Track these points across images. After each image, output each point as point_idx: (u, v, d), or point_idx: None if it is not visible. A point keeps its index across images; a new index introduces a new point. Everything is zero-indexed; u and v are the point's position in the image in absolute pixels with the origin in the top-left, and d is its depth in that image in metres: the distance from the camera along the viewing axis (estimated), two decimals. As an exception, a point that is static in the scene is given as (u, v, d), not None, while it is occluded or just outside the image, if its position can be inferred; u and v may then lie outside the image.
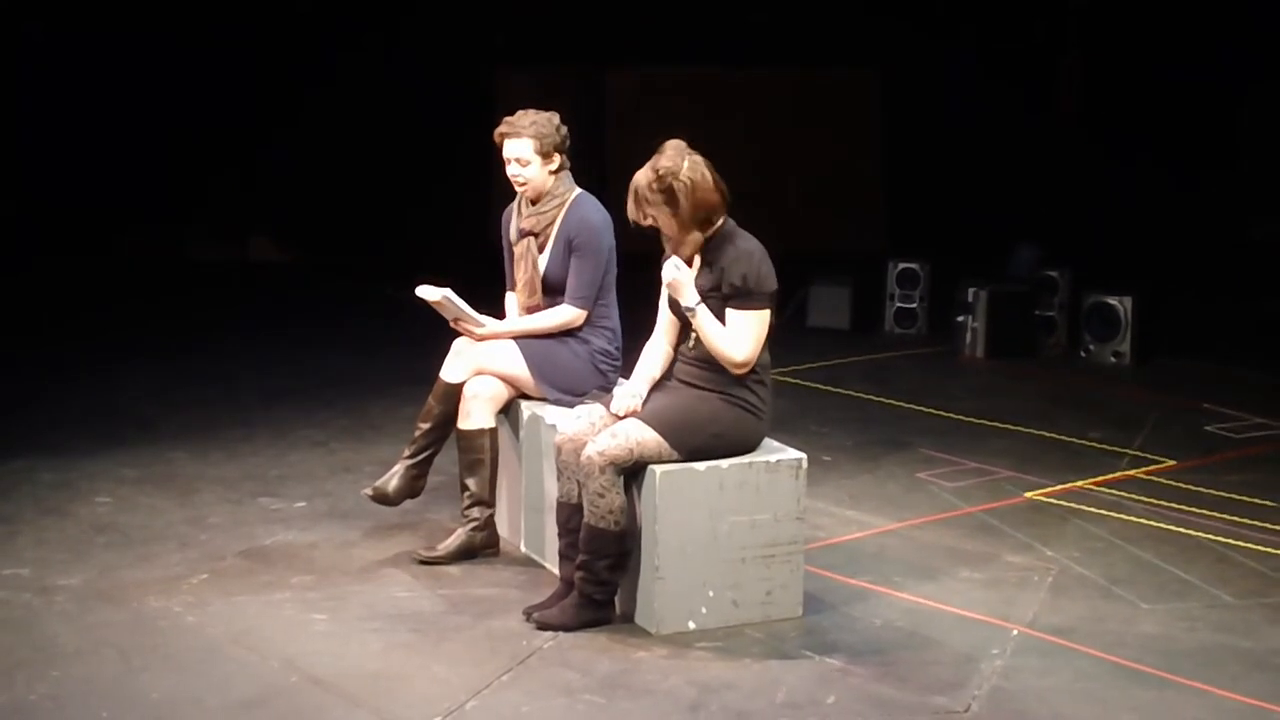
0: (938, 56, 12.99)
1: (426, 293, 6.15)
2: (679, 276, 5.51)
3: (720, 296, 5.48)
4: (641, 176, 5.50)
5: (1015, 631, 5.54)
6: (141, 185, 13.12)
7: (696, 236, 5.50)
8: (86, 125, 13.03)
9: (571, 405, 5.99)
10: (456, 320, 6.26)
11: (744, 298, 5.45)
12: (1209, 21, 11.88)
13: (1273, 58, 11.82)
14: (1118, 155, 12.34)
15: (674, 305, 5.65)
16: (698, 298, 5.50)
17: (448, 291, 6.15)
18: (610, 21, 13.17)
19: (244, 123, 13.24)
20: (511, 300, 6.43)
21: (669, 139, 5.59)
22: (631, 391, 5.59)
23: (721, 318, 5.49)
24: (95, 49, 13.00)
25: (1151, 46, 12.18)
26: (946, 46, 13.00)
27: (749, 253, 5.48)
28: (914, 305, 10.88)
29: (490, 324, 6.26)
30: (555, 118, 6.23)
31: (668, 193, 5.44)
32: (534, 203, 6.26)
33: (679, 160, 5.46)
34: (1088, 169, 12.44)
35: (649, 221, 5.53)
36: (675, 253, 5.57)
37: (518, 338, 6.21)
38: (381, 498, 6.26)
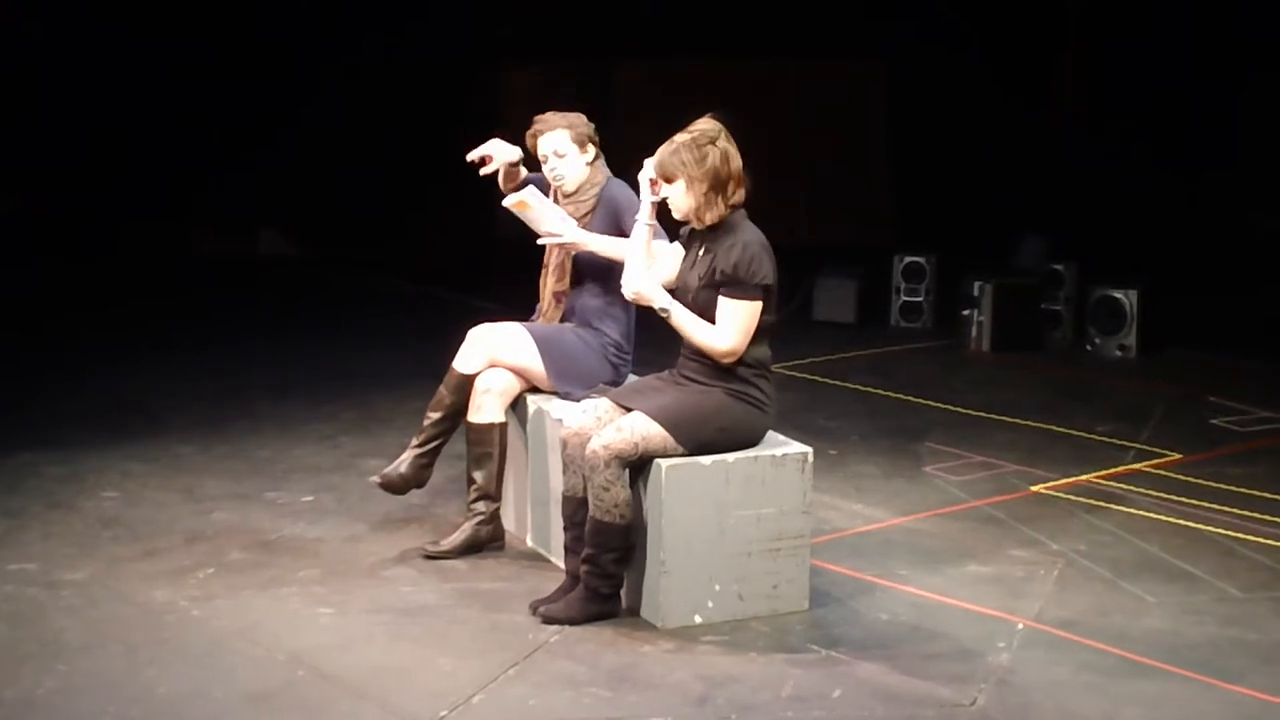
0: (941, 51, 12.98)
1: (510, 200, 6.06)
2: (640, 290, 5.52)
3: (714, 285, 5.47)
4: (677, 136, 5.52)
5: (1021, 625, 5.54)
6: (147, 181, 13.12)
7: (705, 205, 5.48)
8: (92, 121, 13.03)
9: (580, 399, 5.99)
10: (543, 228, 6.09)
11: (735, 286, 5.44)
12: (1208, 19, 11.87)
13: (1272, 56, 11.81)
14: (1118, 151, 12.32)
15: (679, 285, 5.63)
16: (667, 300, 5.51)
17: (532, 188, 6.06)
18: (616, 14, 13.16)
19: (250, 117, 13.24)
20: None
21: (695, 120, 5.61)
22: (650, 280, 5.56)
23: (714, 307, 5.48)
24: (99, 44, 13.00)
25: (1151, 44, 12.17)
26: (948, 41, 12.99)
27: (747, 243, 5.47)
28: (919, 299, 10.87)
29: (577, 232, 6.09)
30: (583, 116, 6.26)
31: (700, 153, 5.44)
32: (568, 195, 6.24)
33: (717, 130, 5.49)
34: (1089, 164, 12.43)
35: (661, 190, 5.53)
36: (685, 217, 5.56)
37: (603, 252, 6.05)
38: (389, 485, 6.26)
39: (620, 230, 6.10)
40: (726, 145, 5.49)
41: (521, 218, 6.14)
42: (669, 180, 5.51)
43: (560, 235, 6.10)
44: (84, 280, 12.02)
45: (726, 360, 5.48)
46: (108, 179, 13.07)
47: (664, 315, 5.51)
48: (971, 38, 13.03)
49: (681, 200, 5.51)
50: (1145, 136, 12.25)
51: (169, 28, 13.07)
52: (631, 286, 5.55)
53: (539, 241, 6.19)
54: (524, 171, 6.34)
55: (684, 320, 5.50)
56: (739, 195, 5.51)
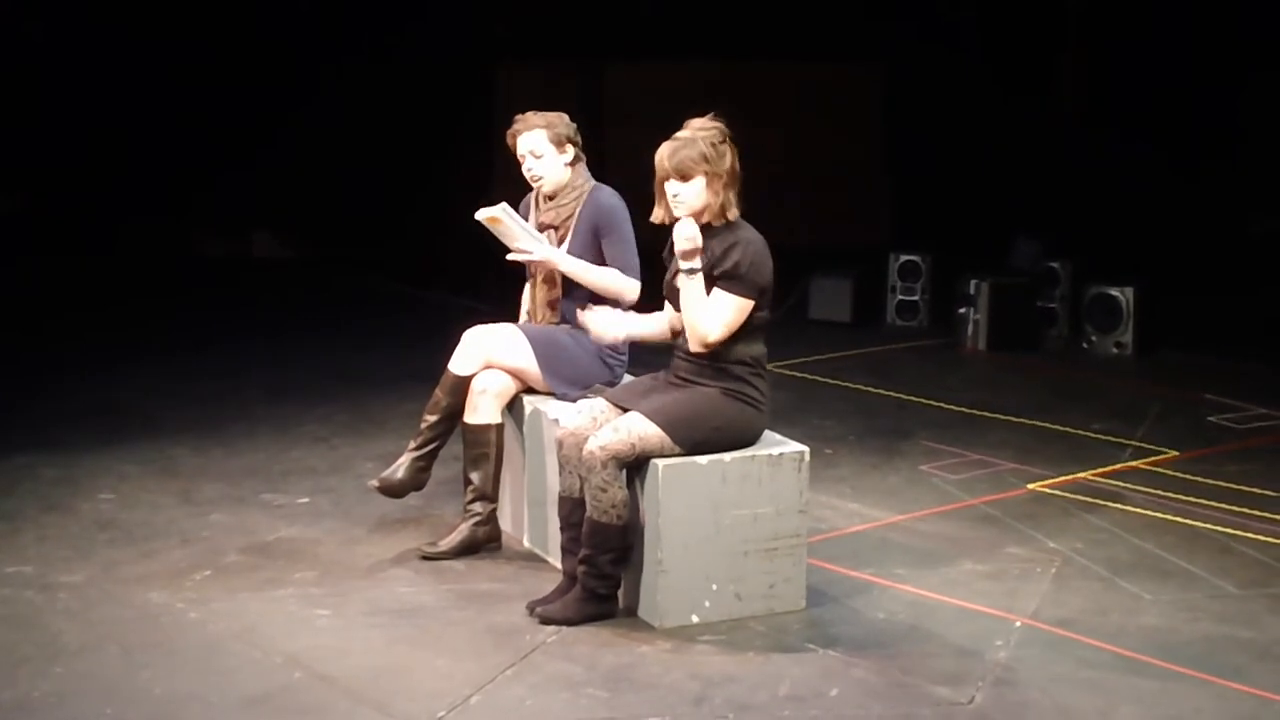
0: (940, 51, 12.99)
1: (483, 214, 6.09)
2: (698, 241, 5.43)
3: (711, 281, 5.46)
4: (687, 131, 5.48)
5: (1018, 623, 5.54)
6: (144, 182, 13.13)
7: (727, 202, 5.46)
8: (92, 121, 13.04)
9: (576, 399, 6.00)
10: (515, 244, 6.12)
11: (733, 281, 5.42)
12: (1208, 19, 11.87)
13: (1272, 56, 11.82)
14: (1118, 151, 12.33)
15: (671, 291, 5.63)
16: (701, 266, 5.45)
17: (504, 205, 6.08)
18: (615, 15, 13.16)
19: (247, 118, 13.25)
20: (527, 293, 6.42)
21: (668, 131, 5.59)
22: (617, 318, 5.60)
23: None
24: (99, 44, 13.01)
25: (1151, 44, 12.17)
26: (948, 41, 12.99)
27: (749, 241, 5.47)
28: (915, 298, 10.87)
29: (548, 250, 6.14)
30: (564, 114, 6.24)
31: (720, 150, 5.42)
32: (550, 198, 6.25)
33: (725, 127, 5.48)
34: (1088, 164, 12.43)
35: (668, 185, 5.46)
36: (695, 214, 5.50)
37: (572, 276, 6.11)
38: (387, 489, 6.26)
39: (598, 239, 6.12)
40: (734, 145, 5.49)
41: (494, 232, 6.15)
42: (685, 178, 5.45)
43: (530, 253, 6.11)
44: (83, 280, 12.03)
45: (703, 349, 5.46)
46: (108, 179, 13.08)
47: (687, 275, 5.43)
48: (971, 38, 13.03)
49: (696, 198, 5.46)
50: (1145, 137, 12.25)
51: (169, 28, 13.09)
52: (687, 238, 5.41)
53: (508, 257, 6.18)
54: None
55: (693, 289, 5.43)
56: (737, 201, 5.52)
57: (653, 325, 5.74)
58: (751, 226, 5.54)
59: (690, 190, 5.46)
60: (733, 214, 5.49)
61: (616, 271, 6.13)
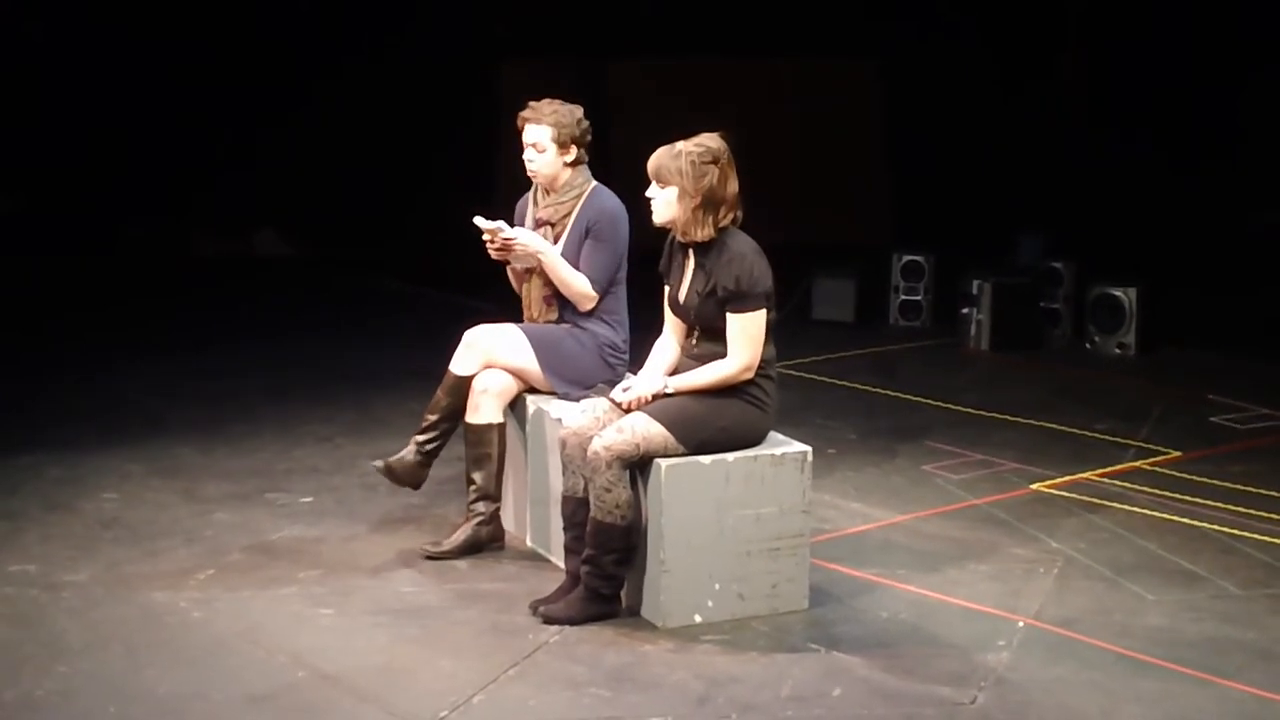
0: (940, 50, 12.98)
1: (481, 222, 6.10)
2: (635, 394, 5.54)
3: (715, 300, 5.48)
4: (683, 143, 5.50)
5: (1021, 623, 5.55)
6: (145, 182, 13.12)
7: (693, 221, 5.48)
8: (92, 121, 13.03)
9: (578, 399, 5.99)
10: (506, 243, 6.14)
11: (739, 300, 5.44)
12: (1208, 19, 11.87)
13: (1272, 56, 11.82)
14: (1118, 150, 12.32)
15: (674, 305, 5.65)
16: (662, 382, 5.54)
17: (500, 222, 6.11)
18: (616, 13, 13.15)
19: (247, 117, 13.24)
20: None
21: (673, 132, 5.60)
22: (641, 387, 5.58)
23: (719, 320, 5.48)
24: (99, 44, 13.00)
25: (1151, 44, 12.17)
26: (948, 40, 12.99)
27: (741, 254, 5.46)
28: (918, 298, 10.87)
29: (533, 238, 6.15)
30: (579, 111, 6.23)
31: (700, 170, 5.42)
32: (549, 193, 6.26)
33: (721, 151, 5.47)
34: (1089, 163, 12.43)
35: (651, 191, 5.51)
36: (666, 224, 5.56)
37: (545, 262, 6.12)
38: (390, 472, 6.23)
39: (589, 236, 6.13)
40: (727, 168, 5.47)
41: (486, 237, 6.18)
42: (661, 184, 5.50)
43: (515, 237, 6.11)
44: (84, 280, 12.01)
45: (747, 375, 5.48)
46: (108, 179, 13.06)
47: (666, 391, 5.53)
48: (971, 37, 13.03)
49: (667, 209, 5.50)
50: (1145, 136, 12.24)
51: (169, 28, 13.07)
52: (627, 399, 5.57)
53: (498, 233, 6.12)
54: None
55: (690, 380, 5.51)
56: (729, 219, 5.50)
57: (670, 356, 5.72)
58: (742, 234, 5.54)
59: (662, 197, 5.51)
60: (698, 235, 5.47)
61: (584, 279, 6.14)
